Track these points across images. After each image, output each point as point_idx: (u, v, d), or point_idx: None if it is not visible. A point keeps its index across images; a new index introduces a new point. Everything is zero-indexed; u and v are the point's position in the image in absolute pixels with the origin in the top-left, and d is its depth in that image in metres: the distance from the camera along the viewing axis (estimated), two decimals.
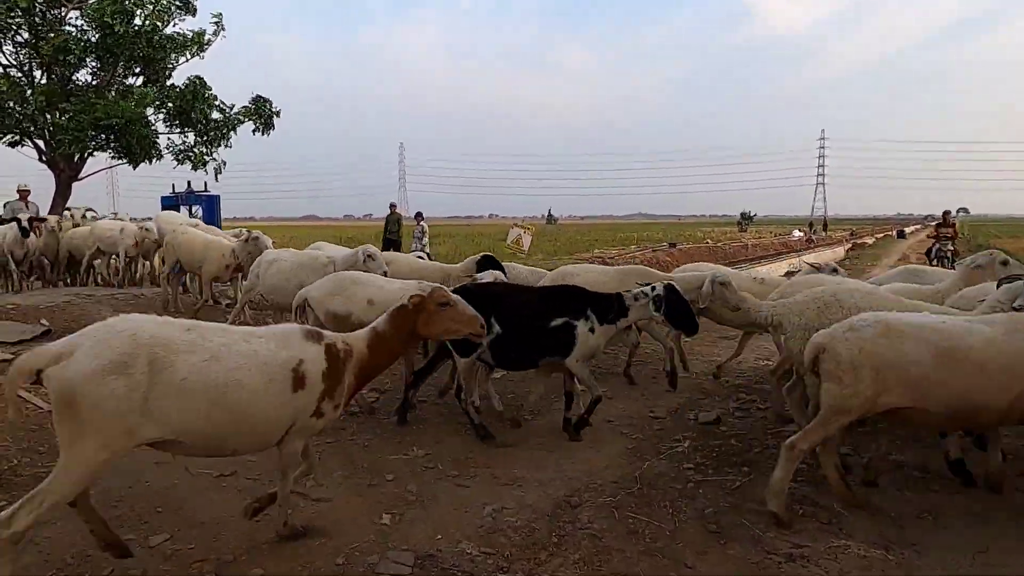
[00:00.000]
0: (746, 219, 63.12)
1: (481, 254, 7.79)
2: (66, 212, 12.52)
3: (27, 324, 7.12)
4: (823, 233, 52.07)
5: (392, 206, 19.18)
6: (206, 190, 11.85)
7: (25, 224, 9.25)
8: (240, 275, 8.74)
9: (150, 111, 16.28)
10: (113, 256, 10.10)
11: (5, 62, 15.54)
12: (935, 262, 16.68)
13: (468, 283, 6.04)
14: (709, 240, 40.53)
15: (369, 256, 6.90)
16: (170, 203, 11.28)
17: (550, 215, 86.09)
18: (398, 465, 4.50)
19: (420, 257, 17.39)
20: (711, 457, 4.76)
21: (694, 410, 5.94)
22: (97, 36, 15.64)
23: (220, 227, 11.12)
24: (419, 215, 18.49)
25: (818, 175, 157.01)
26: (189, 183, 12.09)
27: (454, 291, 3.92)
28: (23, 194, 13.72)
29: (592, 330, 4.92)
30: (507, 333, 4.91)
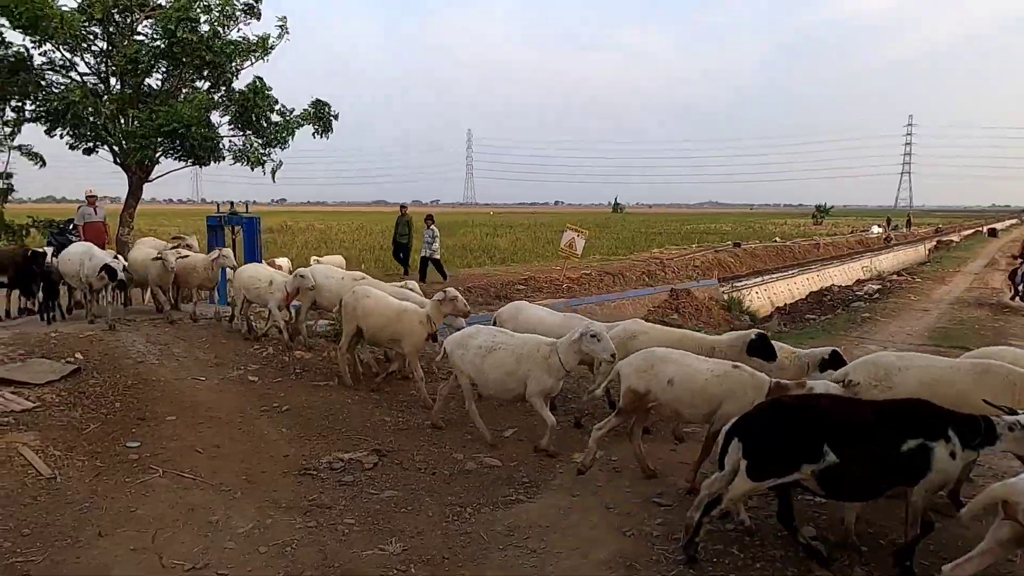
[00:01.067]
0: (822, 212, 60.26)
1: (754, 332, 6.83)
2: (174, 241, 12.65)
3: (58, 362, 7.30)
4: (904, 229, 49.09)
5: (402, 207, 18.66)
6: (247, 211, 12.02)
7: (118, 271, 8.71)
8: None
9: (215, 115, 16.83)
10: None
11: (84, 70, 16.20)
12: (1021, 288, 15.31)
13: (784, 396, 4.98)
14: (778, 238, 38.84)
15: (593, 336, 5.99)
16: (214, 223, 11.49)
17: (616, 203, 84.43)
18: (369, 566, 4.33)
19: (427, 258, 17.00)
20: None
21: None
22: (164, 44, 16.15)
23: (260, 249, 11.27)
24: (429, 218, 17.98)
25: (904, 163, 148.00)
26: (232, 203, 12.32)
27: (767, 405, 3.95)
28: (91, 199, 14.37)
29: (953, 454, 4.10)
30: (846, 461, 4.13)
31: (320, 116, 18.06)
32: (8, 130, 16.80)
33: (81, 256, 9.16)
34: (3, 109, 16.26)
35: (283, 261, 14.60)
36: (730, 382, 5.29)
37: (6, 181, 18.38)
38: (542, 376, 6.10)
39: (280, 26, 17.29)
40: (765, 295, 28.32)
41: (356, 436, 6.52)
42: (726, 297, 25.49)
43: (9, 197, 18.54)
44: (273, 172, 18.49)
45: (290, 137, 18.29)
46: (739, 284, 26.96)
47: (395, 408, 7.33)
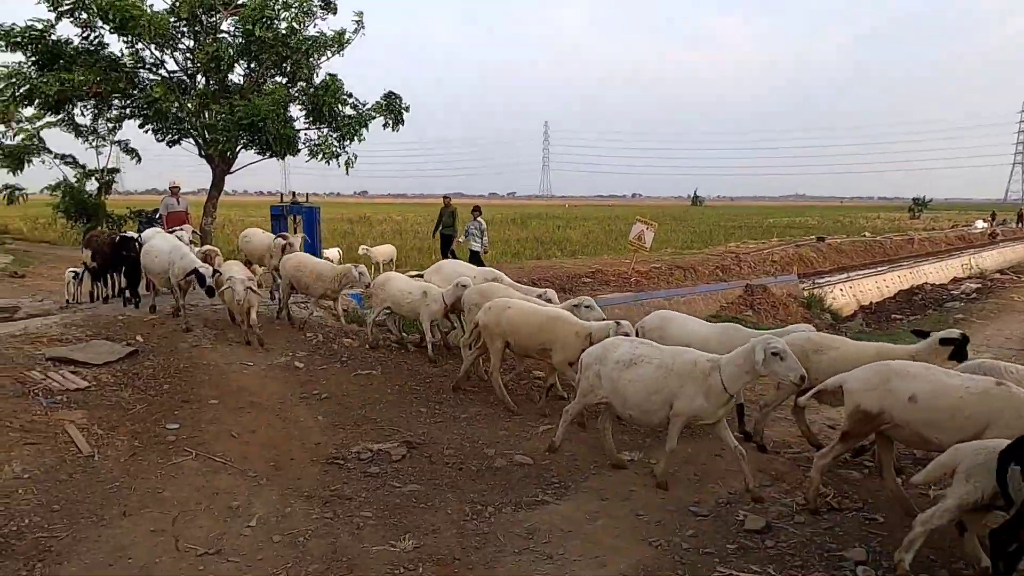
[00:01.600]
0: (919, 205, 56.48)
1: (955, 332, 5.94)
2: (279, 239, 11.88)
3: (118, 344, 7.61)
4: (1014, 225, 45.30)
5: (446, 198, 17.60)
6: (307, 201, 12.24)
7: (207, 277, 8.03)
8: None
9: (294, 109, 17.41)
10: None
11: (172, 67, 16.99)
12: None
13: None
14: (868, 232, 36.64)
15: (775, 355, 4.92)
16: (277, 212, 11.77)
17: (696, 196, 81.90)
18: (377, 563, 4.22)
19: (476, 251, 16.63)
20: None
21: (747, 505, 5.16)
22: (243, 41, 16.76)
23: (320, 238, 11.45)
24: (476, 209, 16.98)
25: (1016, 153, 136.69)
26: (294, 193, 12.60)
27: None
28: (175, 190, 15.13)
29: None
30: None
31: (392, 108, 18.45)
32: (110, 126, 17.84)
33: (170, 254, 8.51)
34: (108, 107, 17.32)
35: (332, 252, 14.77)
36: (996, 401, 4.40)
37: (110, 175, 19.55)
38: (695, 396, 5.11)
39: (356, 21, 17.70)
40: (850, 293, 26.77)
41: (390, 426, 6.46)
42: (806, 294, 24.26)
43: (113, 189, 19.71)
44: (347, 165, 19.05)
45: (363, 129, 18.80)
46: (821, 281, 25.58)
47: (432, 400, 7.24)
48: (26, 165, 21.05)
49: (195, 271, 8.13)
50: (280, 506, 4.85)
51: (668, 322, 7.46)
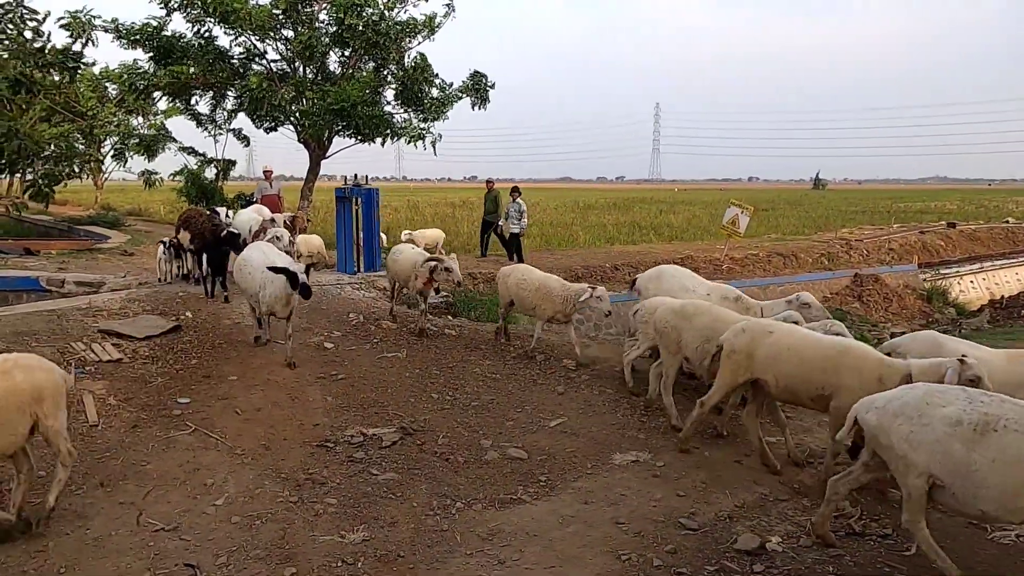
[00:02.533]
0: None
1: None
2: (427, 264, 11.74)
3: (163, 318, 8.00)
4: None
5: (488, 182, 16.97)
6: (367, 182, 12.40)
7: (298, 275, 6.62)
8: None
9: (389, 93, 17.87)
10: None
11: (273, 57, 17.82)
12: None
13: None
14: (1011, 219, 32.76)
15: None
16: (340, 195, 12.00)
17: (817, 179, 76.20)
18: (318, 554, 4.07)
19: (515, 232, 15.76)
20: None
21: (751, 520, 4.59)
22: (335, 29, 17.33)
23: (378, 220, 11.57)
24: (515, 190, 16.21)
25: None
26: (356, 176, 12.77)
27: None
28: (268, 174, 15.95)
29: None
30: None
31: (477, 88, 18.60)
32: (226, 115, 19.01)
33: (263, 275, 7.00)
34: (223, 98, 18.48)
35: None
36: None
37: (226, 162, 20.87)
38: None
39: (447, 4, 17.85)
40: (983, 284, 24.03)
41: (395, 411, 6.33)
42: (927, 285, 22.00)
43: (229, 175, 21.03)
44: (434, 145, 19.49)
45: (448, 110, 19.07)
46: (946, 271, 23.12)
47: (448, 386, 7.03)
48: (158, 153, 23.01)
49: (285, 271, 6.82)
50: (252, 487, 4.84)
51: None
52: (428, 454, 5.51)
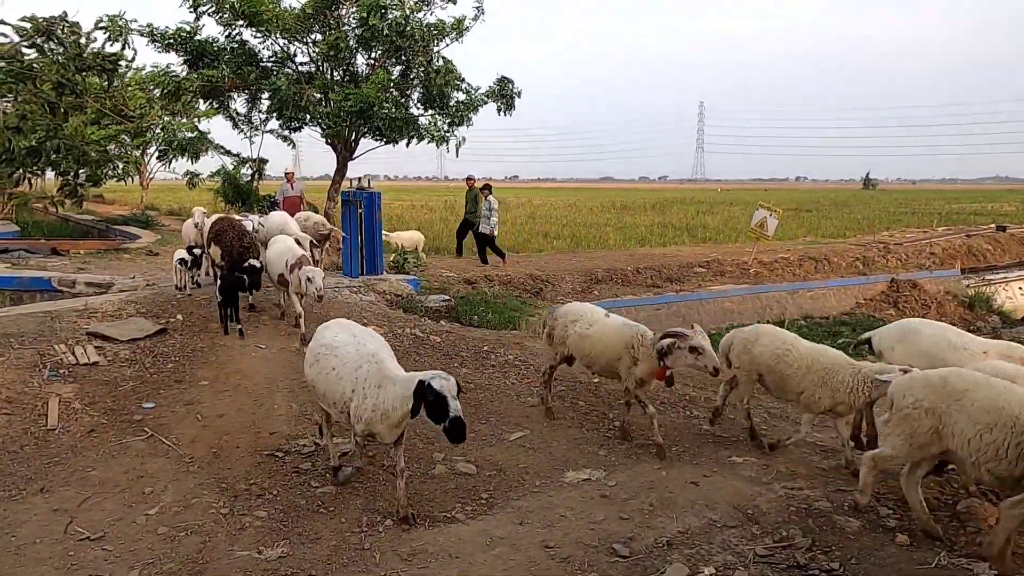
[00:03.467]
0: None
1: None
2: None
3: (150, 321, 8.14)
4: None
5: (469, 180, 16.36)
6: (369, 186, 12.46)
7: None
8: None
9: (415, 95, 17.99)
10: None
11: (302, 60, 18.10)
12: None
13: None
14: None
15: None
16: (346, 198, 12.08)
17: (867, 179, 73.46)
18: (229, 569, 4.04)
19: (486, 235, 14.93)
20: None
21: (691, 548, 4.37)
22: (359, 31, 17.54)
23: (380, 223, 11.61)
24: (486, 188, 15.49)
25: None
26: (360, 179, 12.84)
27: None
28: (289, 176, 16.27)
29: None
30: None
31: (504, 93, 18.63)
32: (262, 117, 19.44)
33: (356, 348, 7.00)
34: (259, 99, 18.91)
35: None
36: None
37: (260, 163, 21.38)
38: None
39: (476, 7, 17.89)
40: None
41: None
42: (970, 292, 21.02)
43: (263, 175, 21.52)
44: (457, 148, 19.65)
45: (472, 114, 19.15)
46: (993, 277, 21.99)
47: None
48: (201, 155, 23.73)
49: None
50: (189, 496, 4.85)
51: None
52: (375, 467, 5.44)
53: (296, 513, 4.71)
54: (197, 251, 9.70)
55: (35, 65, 19.98)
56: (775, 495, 5.16)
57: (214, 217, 9.60)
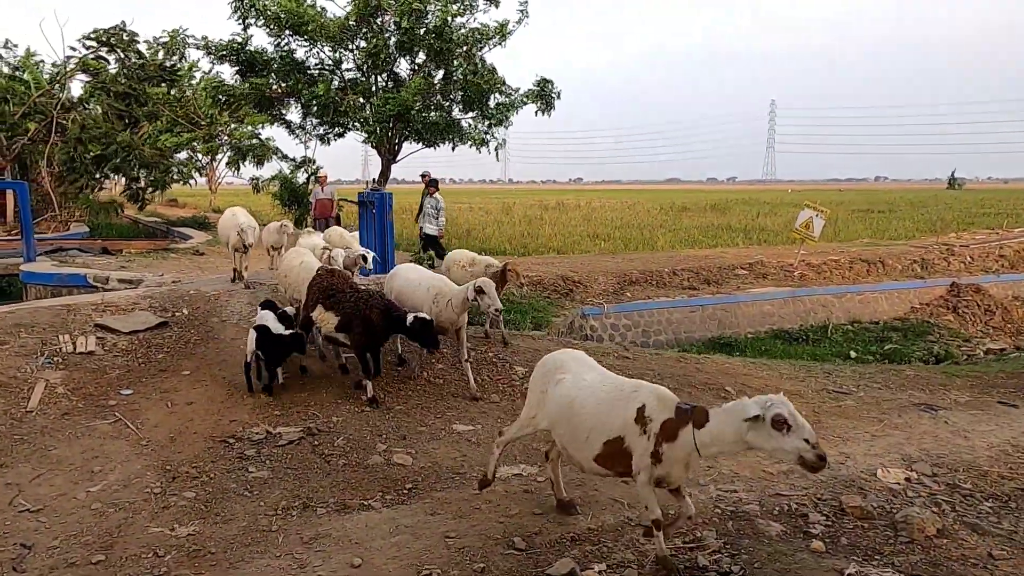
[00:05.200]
0: None
1: None
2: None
3: (153, 315, 8.63)
4: None
5: (424, 177, 14.75)
6: (380, 188, 12.78)
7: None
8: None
9: (455, 97, 18.33)
10: None
11: (347, 66, 18.76)
12: None
13: None
14: None
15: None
16: (361, 199, 12.43)
17: (953, 178, 68.97)
18: (136, 544, 4.27)
19: (432, 234, 13.19)
20: None
21: (594, 545, 4.31)
22: (398, 37, 18.06)
23: (391, 224, 11.86)
24: (432, 183, 14.09)
25: None
26: (374, 180, 13.17)
27: None
28: (322, 180, 16.90)
29: None
30: None
31: (543, 95, 18.84)
32: (315, 122, 20.34)
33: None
34: (310, 106, 19.70)
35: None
36: None
37: (315, 167, 22.27)
38: None
39: (521, 11, 18.13)
40: None
41: (317, 410, 6.49)
42: None
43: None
44: (497, 150, 20.01)
45: (511, 115, 19.43)
46: None
47: (386, 390, 7.05)
48: (265, 161, 24.98)
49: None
50: (132, 476, 5.15)
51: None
52: (315, 455, 5.61)
53: (222, 495, 4.93)
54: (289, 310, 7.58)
55: (105, 77, 21.50)
56: (706, 496, 5.03)
57: (307, 262, 7.96)
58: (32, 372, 6.68)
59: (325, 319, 6.78)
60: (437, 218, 13.35)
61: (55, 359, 7.06)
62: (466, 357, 7.16)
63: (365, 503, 4.86)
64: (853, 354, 14.69)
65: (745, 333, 17.24)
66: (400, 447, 5.77)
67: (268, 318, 7.01)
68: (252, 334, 6.72)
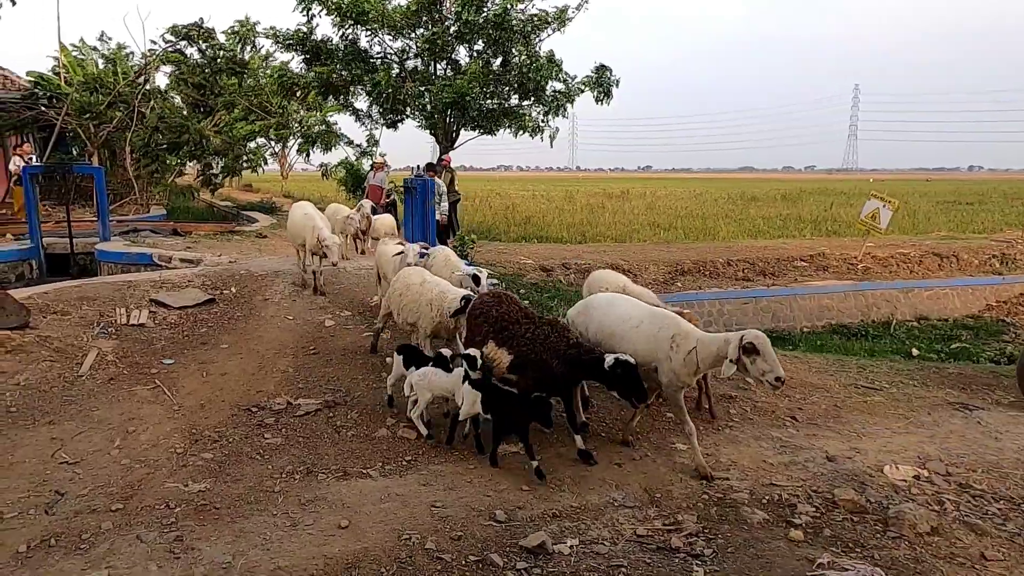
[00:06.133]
0: None
1: None
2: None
3: (204, 292, 9.21)
4: None
5: (432, 166, 14.17)
6: (422, 175, 13.04)
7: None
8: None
9: (513, 84, 18.59)
10: None
11: (409, 54, 19.22)
12: None
13: None
14: None
15: None
16: (407, 185, 12.75)
17: None
18: (152, 497, 4.68)
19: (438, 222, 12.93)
20: None
21: (573, 522, 4.44)
22: (457, 26, 18.39)
23: (433, 210, 12.10)
24: (430, 167, 13.69)
25: None
26: (419, 166, 13.45)
27: None
28: (377, 166, 17.49)
29: None
30: None
31: (601, 82, 18.88)
32: (379, 110, 20.96)
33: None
34: (374, 94, 20.34)
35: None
36: None
37: (382, 154, 22.96)
38: None
39: None
40: None
41: (340, 385, 6.82)
42: None
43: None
44: (551, 138, 20.24)
45: (569, 104, 19.57)
46: None
47: None
48: (332, 147, 26.00)
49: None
50: (161, 438, 5.60)
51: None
52: (328, 426, 5.93)
53: (236, 458, 5.30)
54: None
55: (183, 69, 22.72)
56: (696, 482, 5.06)
57: (430, 283, 6.73)
58: (87, 340, 7.30)
59: (498, 357, 5.50)
60: (439, 204, 12.94)
61: (109, 329, 7.68)
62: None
63: (364, 472, 5.13)
64: (915, 352, 14.07)
65: (801, 327, 16.77)
66: (408, 423, 6.01)
67: (441, 371, 5.65)
68: (474, 393, 5.25)
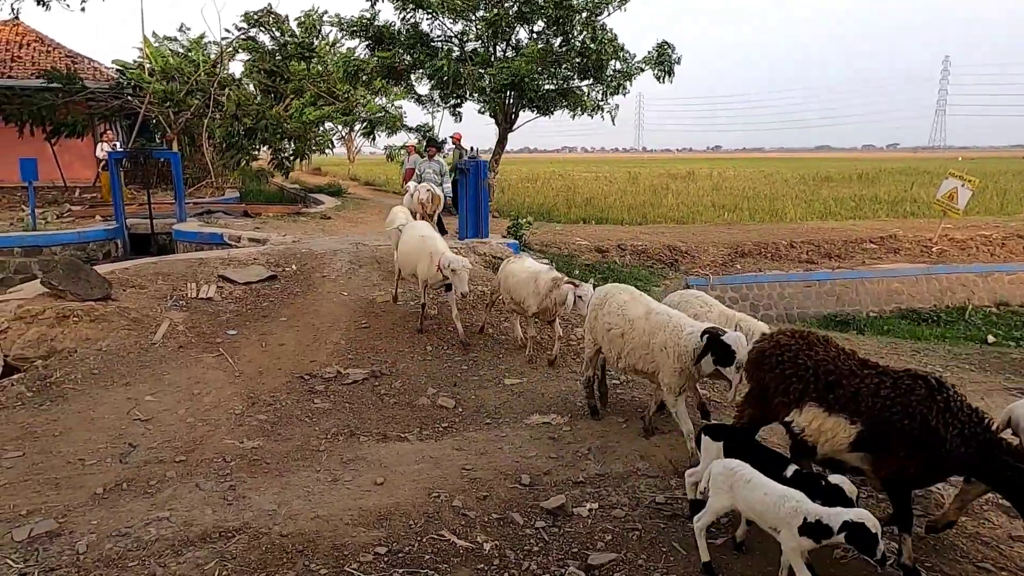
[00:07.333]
0: None
1: None
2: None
3: (266, 268, 9.76)
4: None
5: (453, 137, 14.37)
6: (477, 156, 13.26)
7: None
8: None
9: (572, 64, 18.65)
10: None
11: (470, 36, 19.52)
12: None
13: None
14: None
15: None
16: (460, 167, 13.02)
17: None
18: (211, 450, 5.13)
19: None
20: None
21: (595, 488, 4.63)
22: (518, 8, 18.56)
23: (486, 190, 12.33)
24: (432, 144, 13.51)
25: None
26: (472, 148, 13.66)
27: None
28: (411, 149, 17.89)
29: None
30: None
31: (662, 61, 18.70)
32: (440, 93, 21.40)
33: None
34: (436, 78, 20.83)
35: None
36: None
37: (441, 138, 23.44)
38: None
39: None
40: None
41: (387, 357, 7.19)
42: None
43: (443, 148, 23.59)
44: (612, 116, 20.20)
45: (628, 83, 19.47)
46: None
47: (454, 344, 7.62)
48: (397, 131, 26.66)
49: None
50: (222, 400, 6.09)
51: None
52: (372, 393, 6.30)
53: (287, 419, 5.73)
54: None
55: (256, 56, 23.65)
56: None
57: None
58: (161, 312, 7.91)
59: (828, 430, 3.75)
60: (441, 184, 12.71)
61: (181, 302, 8.30)
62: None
63: (402, 435, 5.47)
64: (991, 339, 13.48)
65: (868, 311, 16.26)
66: (448, 392, 6.32)
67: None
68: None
